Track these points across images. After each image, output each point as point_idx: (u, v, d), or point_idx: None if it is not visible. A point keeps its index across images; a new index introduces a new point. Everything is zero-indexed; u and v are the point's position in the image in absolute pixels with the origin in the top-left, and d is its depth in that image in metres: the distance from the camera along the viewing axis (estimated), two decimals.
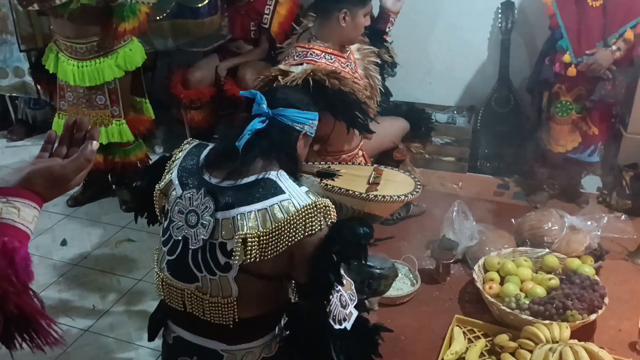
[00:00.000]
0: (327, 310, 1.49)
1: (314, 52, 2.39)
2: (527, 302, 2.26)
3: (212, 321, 1.58)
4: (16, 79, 4.44)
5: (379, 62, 2.67)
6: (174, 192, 1.62)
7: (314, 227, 1.48)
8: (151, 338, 1.81)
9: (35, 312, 0.96)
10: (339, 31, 2.43)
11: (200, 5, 3.69)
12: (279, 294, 1.65)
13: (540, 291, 2.32)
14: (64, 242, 3.38)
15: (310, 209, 1.48)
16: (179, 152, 1.71)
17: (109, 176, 3.73)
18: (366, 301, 1.94)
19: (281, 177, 1.56)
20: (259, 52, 3.87)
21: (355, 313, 1.58)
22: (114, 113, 3.37)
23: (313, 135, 1.73)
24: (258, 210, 1.49)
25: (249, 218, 1.48)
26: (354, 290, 1.61)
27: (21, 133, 4.85)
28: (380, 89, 2.65)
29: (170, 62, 4.18)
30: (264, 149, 1.58)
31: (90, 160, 1.09)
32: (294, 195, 1.51)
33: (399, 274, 2.58)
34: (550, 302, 2.21)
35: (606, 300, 2.27)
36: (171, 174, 1.65)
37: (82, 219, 3.59)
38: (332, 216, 1.52)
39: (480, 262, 2.52)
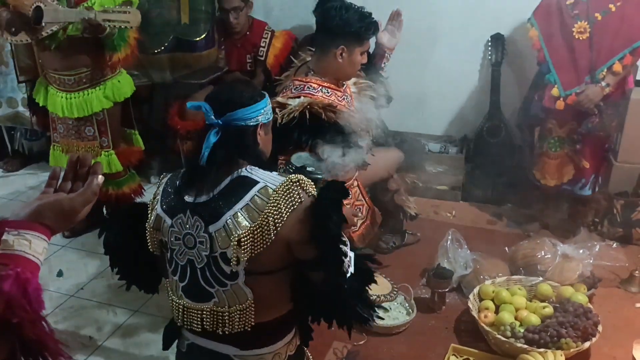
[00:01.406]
0: (344, 275, 1.55)
1: (311, 86, 2.44)
2: (522, 330, 2.28)
3: (232, 331, 1.61)
4: (9, 109, 4.46)
5: (375, 96, 2.73)
6: (165, 224, 1.64)
7: (294, 201, 1.53)
8: (166, 347, 1.83)
9: (48, 338, 1.01)
10: (336, 67, 2.49)
11: (197, 39, 3.75)
12: (288, 288, 1.67)
13: (535, 319, 2.35)
14: (60, 273, 3.38)
15: (286, 185, 1.54)
16: (157, 188, 1.73)
17: (104, 207, 3.75)
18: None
19: (252, 170, 1.60)
20: (256, 84, 3.94)
21: (352, 254, 1.62)
22: (103, 144, 3.38)
23: (271, 118, 1.73)
24: (241, 209, 1.53)
25: (237, 219, 1.53)
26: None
27: (17, 164, 4.87)
28: (375, 121, 2.70)
29: (167, 93, 4.23)
30: (226, 156, 1.61)
31: (96, 193, 1.14)
32: (268, 181, 1.57)
33: (395, 303, 2.61)
34: (545, 331, 2.24)
35: (600, 328, 2.29)
36: (156, 209, 1.68)
37: (78, 250, 3.59)
38: (309, 187, 1.57)
39: (475, 290, 2.55)
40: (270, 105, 1.71)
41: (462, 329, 2.52)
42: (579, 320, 2.27)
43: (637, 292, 2.77)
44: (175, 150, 4.08)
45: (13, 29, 2.96)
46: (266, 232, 1.52)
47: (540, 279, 2.63)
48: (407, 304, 2.64)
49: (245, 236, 1.51)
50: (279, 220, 1.51)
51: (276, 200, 1.52)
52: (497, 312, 2.45)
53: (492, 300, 2.51)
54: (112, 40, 3.06)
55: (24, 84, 3.96)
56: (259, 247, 1.53)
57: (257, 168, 1.61)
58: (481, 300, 2.52)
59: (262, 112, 1.65)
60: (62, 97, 3.26)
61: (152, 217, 1.68)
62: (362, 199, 2.77)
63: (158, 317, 3.00)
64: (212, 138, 1.59)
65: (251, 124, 1.63)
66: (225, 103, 1.62)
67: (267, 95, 1.70)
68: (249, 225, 1.52)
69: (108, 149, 3.39)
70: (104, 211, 3.77)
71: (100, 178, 1.15)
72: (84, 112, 3.27)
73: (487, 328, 2.31)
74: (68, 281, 3.30)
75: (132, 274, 1.88)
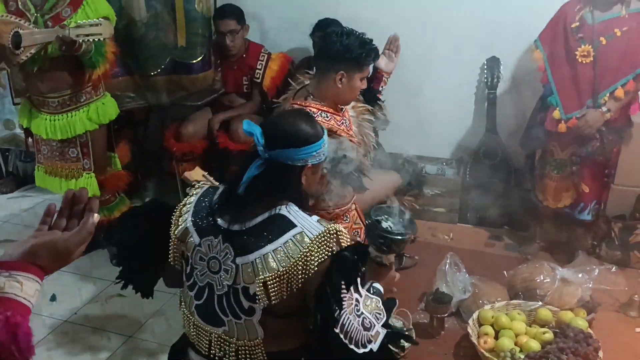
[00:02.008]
0: (337, 332, 1.44)
1: (310, 110, 2.44)
2: (522, 356, 2.25)
3: None
4: (6, 131, 4.47)
5: (373, 119, 2.72)
6: (191, 239, 1.63)
7: (325, 254, 1.48)
8: None
9: None
10: (335, 91, 2.48)
11: (194, 61, 3.76)
12: (302, 330, 1.61)
13: (535, 345, 2.32)
14: (53, 297, 3.34)
15: (323, 236, 1.49)
16: (191, 196, 1.70)
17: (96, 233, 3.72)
18: (379, 257, 1.81)
19: (291, 211, 1.56)
20: (251, 105, 3.94)
21: (382, 332, 1.53)
22: (85, 166, 3.39)
23: (321, 161, 1.66)
24: (274, 251, 1.50)
25: (267, 260, 1.50)
26: (382, 308, 1.58)
27: (11, 185, 4.84)
28: (373, 145, 2.70)
29: (163, 115, 4.23)
30: (266, 191, 1.56)
31: (91, 232, 1.11)
32: (306, 227, 1.51)
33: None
34: (545, 357, 2.21)
35: (600, 353, 2.27)
36: (185, 221, 1.65)
37: (72, 273, 3.55)
38: (345, 239, 1.53)
39: (475, 315, 2.52)
40: (326, 147, 1.65)
41: (462, 354, 2.49)
42: (579, 346, 2.25)
43: (636, 316, 2.75)
44: (171, 172, 4.07)
45: None
46: (294, 279, 1.49)
47: (540, 303, 2.60)
48: (405, 330, 2.60)
49: (272, 279, 1.49)
50: (308, 271, 1.48)
51: (310, 250, 1.48)
52: (496, 337, 2.42)
53: (492, 325, 2.48)
54: (89, 58, 3.10)
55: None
56: (283, 292, 1.50)
57: (297, 208, 1.57)
58: (480, 325, 2.50)
59: (313, 155, 1.59)
60: (45, 119, 3.28)
61: (180, 228, 1.66)
62: (360, 222, 2.75)
63: (152, 342, 2.96)
64: (255, 170, 1.56)
65: (299, 164, 1.58)
66: (279, 138, 1.57)
67: (324, 135, 1.64)
68: (277, 269, 1.49)
69: (89, 171, 3.39)
70: (97, 236, 3.75)
71: (96, 217, 1.13)
72: (68, 134, 3.29)
73: (487, 354, 2.28)
74: (62, 305, 3.27)
75: (134, 273, 1.86)
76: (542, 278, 2.70)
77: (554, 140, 3.15)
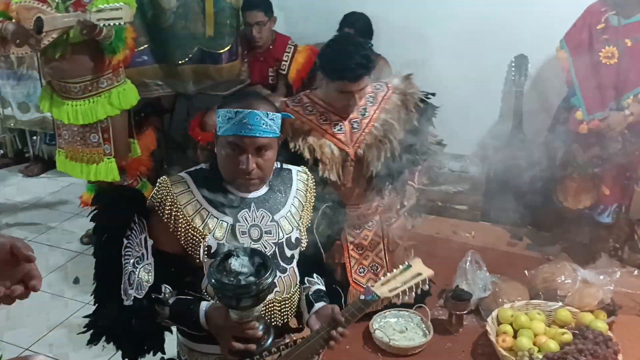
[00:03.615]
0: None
1: (301, 98, 2.42)
2: (540, 356, 2.24)
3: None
4: (37, 114, 4.55)
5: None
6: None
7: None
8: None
9: None
10: (324, 90, 2.40)
11: (221, 51, 3.79)
12: None
13: (554, 346, 2.31)
14: (76, 280, 3.40)
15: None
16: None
17: None
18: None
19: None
20: (277, 97, 3.96)
21: None
22: (106, 151, 3.44)
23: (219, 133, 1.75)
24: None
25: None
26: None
27: (37, 169, 4.94)
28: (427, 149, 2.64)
29: (189, 105, 4.27)
30: None
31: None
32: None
33: (412, 324, 2.58)
34: (564, 358, 2.19)
35: (620, 357, 2.25)
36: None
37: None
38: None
39: (494, 314, 2.51)
40: (224, 122, 1.68)
41: (480, 352, 2.49)
42: (598, 349, 2.23)
43: None
44: (195, 160, 4.11)
45: (18, 41, 3.05)
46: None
47: (560, 304, 2.58)
48: (423, 325, 2.61)
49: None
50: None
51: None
52: (515, 336, 2.41)
53: (511, 324, 2.47)
54: (110, 43, 3.15)
55: None
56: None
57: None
58: (499, 324, 2.49)
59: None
60: (67, 104, 3.34)
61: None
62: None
63: None
64: None
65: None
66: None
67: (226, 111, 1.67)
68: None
69: (110, 156, 3.44)
70: None
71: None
72: (89, 119, 3.34)
73: (505, 353, 2.28)
74: (84, 288, 3.28)
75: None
76: (563, 279, 2.67)
77: (576, 141, 3.13)
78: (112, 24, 3.00)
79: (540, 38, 3.52)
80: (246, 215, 1.70)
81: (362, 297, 1.71)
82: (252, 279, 1.45)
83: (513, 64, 3.65)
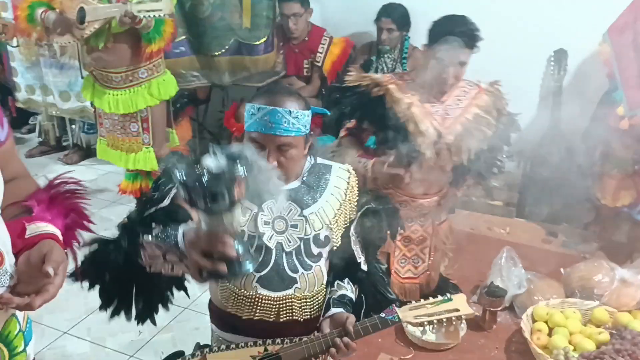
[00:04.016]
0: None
1: (402, 76, 2.49)
2: (576, 355, 2.21)
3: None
4: (77, 103, 4.64)
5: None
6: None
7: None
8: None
9: None
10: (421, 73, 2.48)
11: (257, 42, 3.81)
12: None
13: (590, 345, 2.27)
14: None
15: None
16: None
17: None
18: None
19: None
20: (311, 89, 3.97)
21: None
22: (145, 140, 3.50)
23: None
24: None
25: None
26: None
27: (76, 157, 5.04)
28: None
29: (224, 95, 4.31)
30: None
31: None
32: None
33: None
34: (600, 357, 2.16)
35: None
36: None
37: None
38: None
39: (529, 311, 2.48)
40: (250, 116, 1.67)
41: (513, 349, 2.46)
42: (637, 349, 2.18)
43: None
44: None
45: (59, 30, 3.10)
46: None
47: (597, 303, 2.53)
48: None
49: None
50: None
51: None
52: (550, 334, 2.38)
53: (546, 322, 2.44)
54: (148, 33, 3.21)
55: None
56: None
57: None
58: (534, 321, 2.46)
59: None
60: (108, 94, 3.41)
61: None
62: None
63: None
64: None
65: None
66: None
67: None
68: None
69: (148, 145, 3.50)
70: None
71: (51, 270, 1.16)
72: (129, 109, 3.40)
73: (539, 351, 2.25)
74: (62, 315, 3.20)
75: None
76: (600, 277, 2.62)
77: (616, 137, 3.06)
78: (152, 15, 3.05)
79: (581, 32, 3.45)
80: (272, 206, 1.70)
81: (383, 314, 1.68)
82: (219, 171, 1.27)
83: (552, 59, 3.59)
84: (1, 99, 4.77)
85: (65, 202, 1.33)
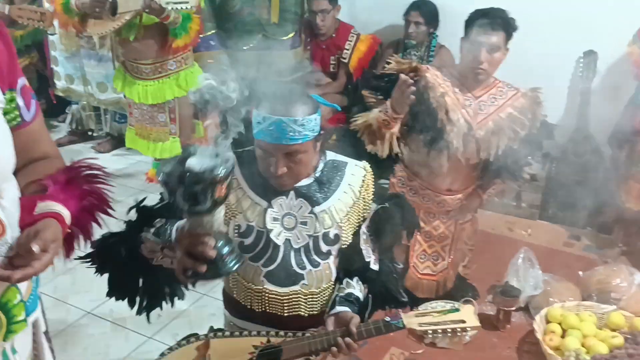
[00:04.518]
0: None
1: (439, 68, 2.54)
2: (588, 358, 2.20)
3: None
4: (114, 94, 4.75)
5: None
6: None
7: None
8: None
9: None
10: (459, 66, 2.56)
11: (285, 38, 3.85)
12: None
13: (603, 348, 2.25)
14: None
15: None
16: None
17: None
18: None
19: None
20: (337, 85, 3.99)
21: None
22: (172, 131, 3.58)
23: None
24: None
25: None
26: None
27: (108, 145, 5.16)
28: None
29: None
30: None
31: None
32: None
33: None
34: None
35: None
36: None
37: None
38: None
39: (543, 312, 2.47)
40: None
41: (525, 349, 2.45)
42: None
43: None
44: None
45: (97, 10, 3.18)
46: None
47: (613, 307, 2.51)
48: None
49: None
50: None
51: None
52: (563, 336, 2.36)
53: (560, 324, 2.42)
54: (175, 29, 3.27)
55: None
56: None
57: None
58: (548, 322, 2.45)
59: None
60: (138, 84, 3.50)
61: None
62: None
63: None
64: None
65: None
66: None
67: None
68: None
69: (175, 135, 3.58)
70: None
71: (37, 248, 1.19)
72: (158, 99, 3.49)
73: (550, 351, 2.24)
74: (86, 295, 3.28)
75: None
76: (618, 281, 2.59)
77: None
78: (179, 7, 3.12)
79: (611, 34, 3.40)
80: (282, 202, 1.68)
81: (387, 319, 1.67)
82: (200, 171, 1.27)
83: (581, 60, 3.54)
84: (38, 87, 4.90)
85: (83, 185, 1.38)
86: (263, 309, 1.76)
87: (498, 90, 2.56)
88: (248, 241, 1.70)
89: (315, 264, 1.72)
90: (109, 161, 4.98)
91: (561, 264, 2.98)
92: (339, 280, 1.81)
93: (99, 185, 1.42)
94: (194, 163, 1.26)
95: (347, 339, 1.61)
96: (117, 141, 5.15)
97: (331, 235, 1.71)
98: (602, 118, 3.57)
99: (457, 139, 2.43)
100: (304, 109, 1.58)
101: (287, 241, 1.69)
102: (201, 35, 3.62)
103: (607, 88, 3.59)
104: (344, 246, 1.76)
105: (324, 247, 1.71)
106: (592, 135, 3.59)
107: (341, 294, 1.76)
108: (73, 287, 3.36)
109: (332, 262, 1.75)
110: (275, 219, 1.68)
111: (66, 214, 1.28)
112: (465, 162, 2.54)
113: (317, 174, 1.72)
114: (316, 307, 1.77)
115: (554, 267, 2.89)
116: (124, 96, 4.28)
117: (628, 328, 2.40)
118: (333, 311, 1.72)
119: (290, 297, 1.72)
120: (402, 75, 2.26)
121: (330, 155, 1.77)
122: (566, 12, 3.47)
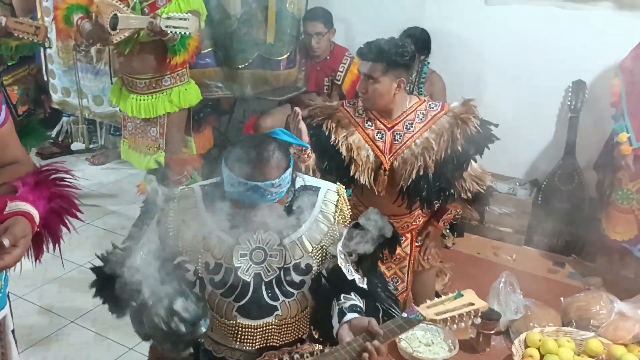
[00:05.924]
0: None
1: (356, 103, 2.53)
2: None
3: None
4: (109, 108, 4.78)
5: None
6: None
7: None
8: None
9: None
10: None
11: (280, 58, 3.91)
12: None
13: None
14: None
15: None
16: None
17: None
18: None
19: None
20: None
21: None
22: (160, 145, 3.62)
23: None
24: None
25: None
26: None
27: (103, 158, 5.19)
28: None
29: (246, 107, 4.42)
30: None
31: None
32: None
33: (439, 338, 2.59)
34: None
35: None
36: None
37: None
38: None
39: (522, 336, 2.49)
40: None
41: None
42: None
43: None
44: None
45: (91, 40, 3.26)
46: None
47: (592, 334, 2.53)
48: (450, 341, 2.61)
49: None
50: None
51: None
52: None
53: (538, 349, 2.44)
54: (173, 45, 3.31)
55: None
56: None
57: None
58: (527, 347, 2.47)
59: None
60: (132, 98, 3.55)
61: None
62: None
63: None
64: None
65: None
66: None
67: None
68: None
69: (162, 150, 3.62)
70: None
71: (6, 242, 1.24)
72: (150, 114, 3.53)
73: None
74: (73, 304, 3.28)
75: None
76: (598, 308, 2.62)
77: (623, 169, 3.06)
78: (178, 32, 3.17)
79: (599, 65, 3.48)
80: (249, 238, 1.64)
81: (405, 315, 1.62)
82: (179, 326, 1.45)
83: (570, 89, 3.61)
84: (35, 98, 4.94)
85: (51, 187, 1.43)
86: (236, 345, 1.73)
87: (417, 114, 2.48)
88: (217, 278, 1.67)
89: (288, 295, 1.68)
90: (103, 173, 5.01)
91: (544, 290, 3.01)
92: (335, 299, 1.70)
93: (66, 189, 1.47)
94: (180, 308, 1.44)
95: (375, 342, 1.51)
96: (111, 153, 5.18)
97: (302, 265, 1.67)
98: (589, 147, 3.63)
99: (363, 176, 2.44)
100: (279, 167, 1.55)
101: (258, 275, 1.65)
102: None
103: (594, 117, 3.64)
104: (314, 274, 1.69)
105: (296, 278, 1.67)
106: (579, 163, 3.64)
107: (345, 306, 1.66)
108: (58, 296, 3.38)
109: (306, 289, 1.69)
110: (243, 255, 1.64)
111: (35, 213, 1.33)
112: (386, 193, 2.52)
113: (288, 204, 1.67)
114: (291, 336, 1.75)
115: (536, 293, 2.91)
116: (119, 109, 4.34)
117: (606, 355, 2.42)
118: (344, 319, 1.61)
119: (264, 329, 1.70)
120: (296, 108, 2.38)
121: (302, 180, 1.72)
122: (556, 40, 3.54)
